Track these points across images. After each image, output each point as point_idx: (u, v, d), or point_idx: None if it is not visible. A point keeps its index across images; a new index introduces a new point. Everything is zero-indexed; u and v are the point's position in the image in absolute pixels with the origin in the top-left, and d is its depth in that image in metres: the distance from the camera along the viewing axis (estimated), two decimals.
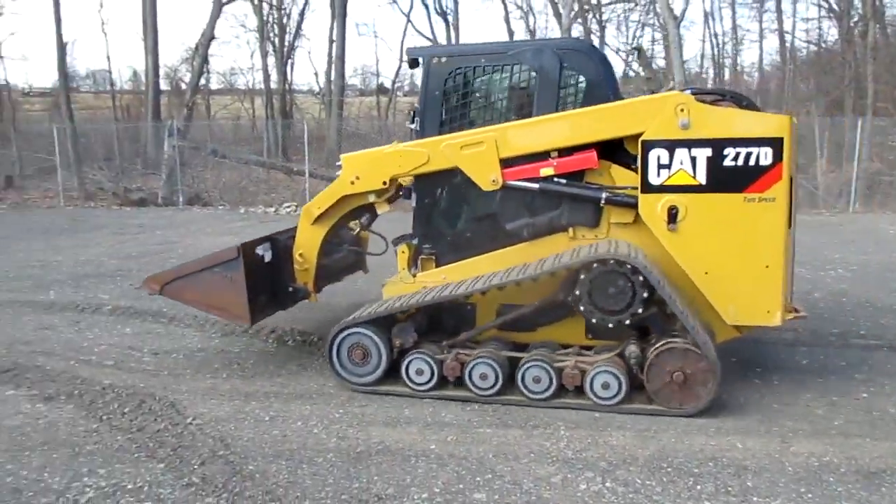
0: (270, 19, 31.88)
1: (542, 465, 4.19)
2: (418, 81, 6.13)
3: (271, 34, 31.45)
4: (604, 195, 5.20)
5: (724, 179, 4.85)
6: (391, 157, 5.58)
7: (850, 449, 4.35)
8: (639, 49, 24.77)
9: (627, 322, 4.88)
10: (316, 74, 53.78)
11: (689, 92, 5.06)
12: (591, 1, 26.51)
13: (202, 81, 26.72)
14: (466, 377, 5.13)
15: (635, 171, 5.08)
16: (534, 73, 5.45)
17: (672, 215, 4.96)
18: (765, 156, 4.78)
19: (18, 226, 14.62)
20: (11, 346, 6.51)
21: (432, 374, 5.22)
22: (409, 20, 30.44)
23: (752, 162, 4.79)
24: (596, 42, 27.98)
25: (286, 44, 31.68)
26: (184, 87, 29.20)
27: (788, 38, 28.36)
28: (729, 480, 3.99)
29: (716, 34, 38.01)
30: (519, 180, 5.31)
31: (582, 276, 4.88)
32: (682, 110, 4.86)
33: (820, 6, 28.50)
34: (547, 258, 5.20)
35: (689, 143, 4.87)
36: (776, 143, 4.75)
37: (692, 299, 5.03)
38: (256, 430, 4.68)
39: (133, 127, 24.85)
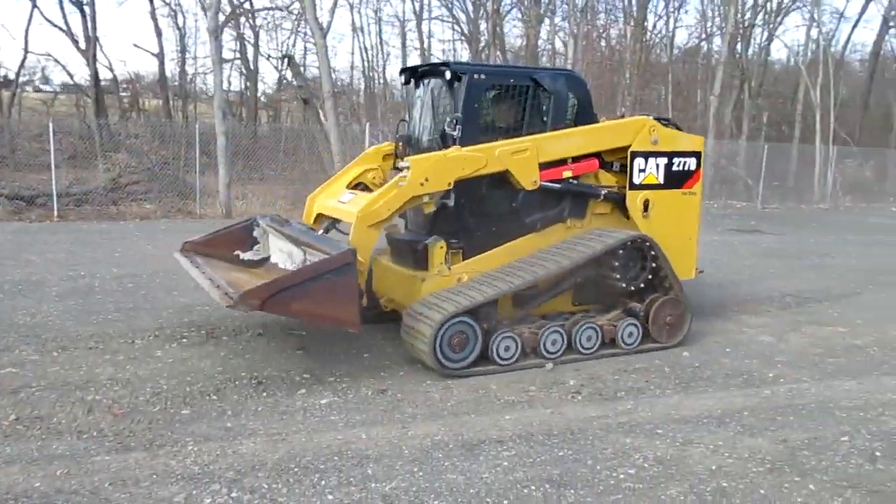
0: None
1: (164, 486, 3.96)
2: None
3: None
4: (603, 192, 6.86)
5: (673, 180, 6.98)
6: (457, 161, 6.04)
7: (458, 426, 4.85)
8: (289, 57, 23.57)
9: (642, 285, 6.56)
10: None
11: (653, 117, 7.03)
12: (243, 5, 25.25)
13: None
14: (541, 347, 6.14)
15: (613, 174, 7.01)
16: (551, 94, 6.64)
17: (645, 206, 6.90)
18: (692, 163, 7.04)
19: None
20: None
21: (517, 348, 6.04)
22: (35, 5, 24.20)
23: (686, 168, 7.00)
24: (249, 49, 28.56)
25: None
26: None
27: (426, 56, 30.94)
28: (351, 471, 4.14)
29: (365, 48, 43.67)
30: (548, 181, 6.54)
31: (620, 252, 6.41)
32: (653, 130, 6.83)
33: (454, 29, 32.89)
34: (585, 241, 6.46)
35: (657, 154, 6.87)
36: (698, 155, 7.08)
37: None
38: None
39: None
